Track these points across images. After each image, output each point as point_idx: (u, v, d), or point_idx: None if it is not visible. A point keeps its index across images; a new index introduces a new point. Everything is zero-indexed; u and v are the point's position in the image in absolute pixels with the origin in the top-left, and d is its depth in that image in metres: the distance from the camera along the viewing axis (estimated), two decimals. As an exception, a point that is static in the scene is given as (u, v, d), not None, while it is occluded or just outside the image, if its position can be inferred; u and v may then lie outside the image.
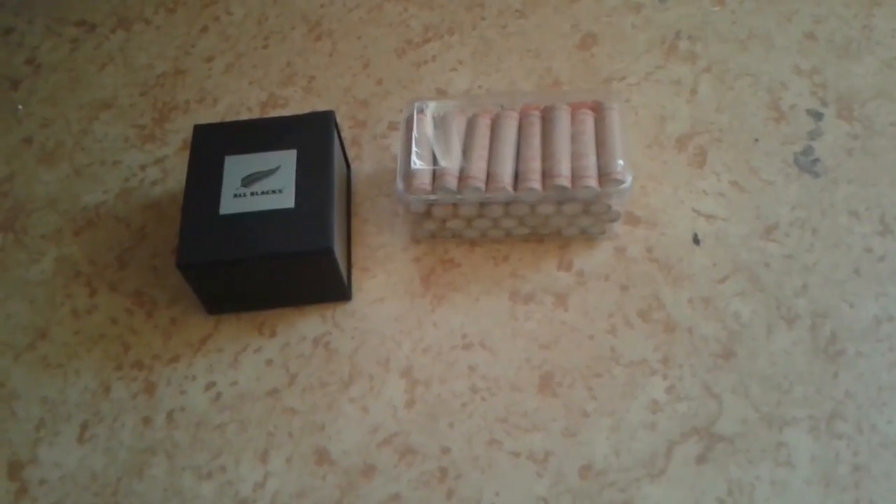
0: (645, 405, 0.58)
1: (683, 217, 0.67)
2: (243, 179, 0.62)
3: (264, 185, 0.62)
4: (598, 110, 0.64)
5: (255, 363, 0.62)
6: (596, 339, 0.61)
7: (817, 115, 0.72)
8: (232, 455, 0.58)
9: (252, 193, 0.62)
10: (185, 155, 0.74)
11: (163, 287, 0.66)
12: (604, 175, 0.60)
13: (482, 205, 0.62)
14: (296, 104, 0.77)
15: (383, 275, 0.66)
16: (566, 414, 0.58)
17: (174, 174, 0.73)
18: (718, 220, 0.66)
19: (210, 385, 0.61)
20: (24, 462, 0.58)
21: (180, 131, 0.77)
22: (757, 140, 0.71)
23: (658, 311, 0.62)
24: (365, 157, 0.73)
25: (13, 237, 0.71)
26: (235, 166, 0.63)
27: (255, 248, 0.59)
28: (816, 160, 0.69)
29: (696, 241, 0.65)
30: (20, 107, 0.81)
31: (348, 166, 0.72)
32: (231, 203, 0.61)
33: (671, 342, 0.60)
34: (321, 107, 0.77)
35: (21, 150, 0.77)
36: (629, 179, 0.60)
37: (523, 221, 0.64)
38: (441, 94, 0.76)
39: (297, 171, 0.62)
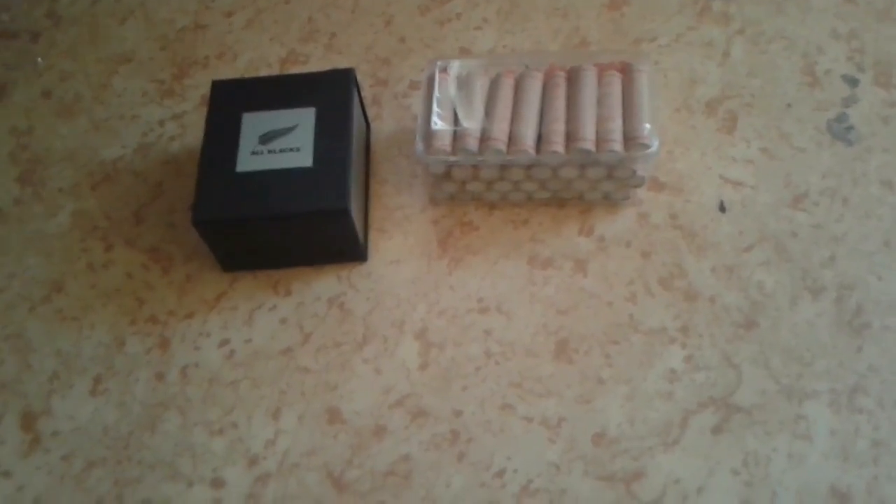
0: (662, 374, 0.57)
1: (710, 184, 0.65)
2: (261, 137, 0.61)
3: (282, 143, 0.61)
4: (626, 72, 0.62)
5: (270, 321, 0.61)
6: (615, 306, 0.60)
7: (853, 82, 0.69)
8: (244, 412, 0.58)
9: (269, 151, 0.61)
10: (204, 111, 0.73)
11: (179, 243, 0.66)
12: (629, 139, 0.59)
13: (503, 167, 0.61)
14: (316, 61, 0.76)
15: (400, 236, 0.65)
16: (581, 381, 0.57)
17: (192, 130, 0.73)
18: (746, 188, 0.64)
19: (224, 342, 0.61)
20: (38, 413, 0.59)
21: (199, 87, 0.76)
22: (789, 106, 0.68)
23: (680, 280, 0.60)
24: (385, 116, 0.72)
25: (31, 190, 0.71)
26: (253, 124, 0.62)
27: (271, 206, 0.58)
28: (850, 128, 0.67)
29: (721, 208, 0.63)
30: (40, 60, 0.80)
31: (368, 125, 0.70)
32: (248, 160, 0.60)
33: (692, 311, 0.59)
34: (342, 64, 0.75)
35: (40, 103, 0.76)
36: (655, 144, 0.58)
37: (545, 185, 0.62)
38: (465, 53, 0.74)
39: (315, 129, 0.61)
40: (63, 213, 0.69)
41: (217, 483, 0.55)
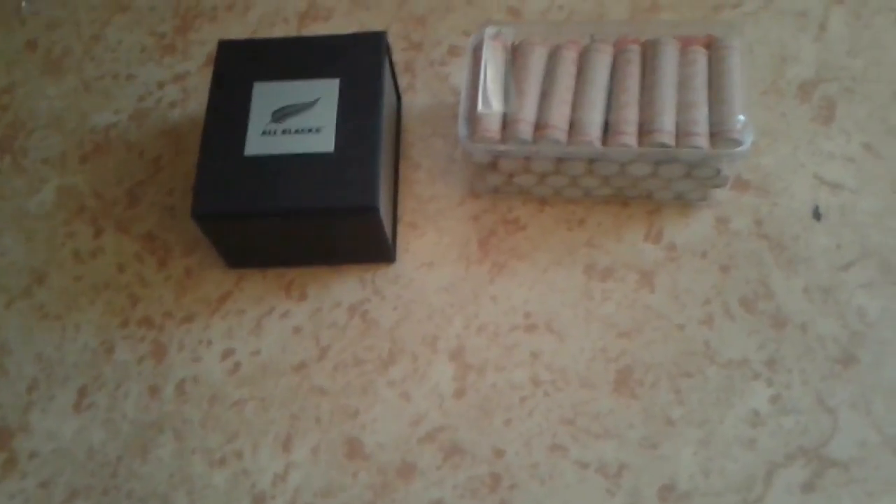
0: (743, 416, 0.48)
1: (803, 184, 0.55)
2: (274, 113, 0.52)
3: (299, 121, 0.51)
4: (713, 48, 0.52)
5: (281, 330, 0.53)
6: (687, 330, 0.51)
7: (976, 65, 0.58)
8: (250, 439, 0.50)
9: (284, 131, 0.51)
10: (209, 73, 0.63)
11: (178, 231, 0.57)
12: (717, 133, 0.49)
13: (560, 160, 0.51)
14: (340, 18, 0.65)
15: (434, 234, 0.55)
16: (646, 420, 0.48)
17: (196, 96, 0.63)
18: (846, 191, 0.54)
19: (228, 353, 0.53)
20: (14, 429, 0.51)
21: (205, 43, 0.66)
22: (897, 92, 0.58)
23: (765, 301, 0.51)
24: (419, 87, 0.62)
25: (10, 159, 0.61)
26: (266, 96, 0.53)
27: (284, 199, 0.49)
28: (973, 122, 0.56)
29: (816, 215, 0.54)
30: (25, 3, 0.70)
31: (399, 98, 0.60)
32: (258, 142, 0.51)
33: (780, 340, 0.50)
34: (370, 22, 0.65)
35: (24, 56, 0.67)
36: (749, 140, 0.48)
37: (608, 182, 0.53)
38: (513, 14, 0.64)
39: (339, 106, 0.52)
40: (47, 189, 0.60)
41: (217, 523, 0.48)
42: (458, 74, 0.61)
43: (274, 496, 0.48)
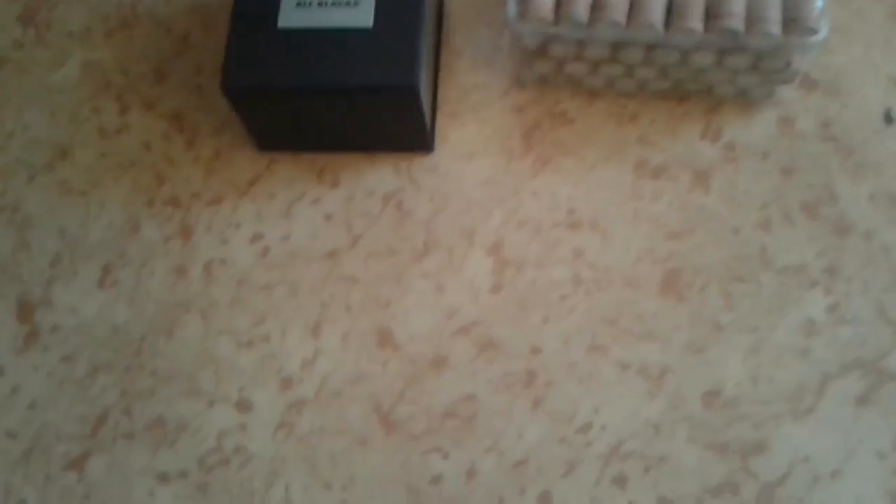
0: (797, 325, 0.45)
1: (875, 86, 0.51)
2: (311, -18, 0.48)
3: (337, -8, 0.48)
4: (792, -74, 0.47)
5: (312, 217, 0.51)
6: (742, 233, 0.48)
7: None
8: (278, 323, 0.48)
9: (320, 4, 0.48)
10: (243, -52, 0.59)
11: (207, 111, 0.54)
12: (791, 20, 0.45)
13: (617, 46, 0.47)
14: None
15: (475, 124, 0.52)
16: (693, 324, 0.46)
17: (228, -28, 0.59)
18: (921, 96, 0.50)
19: (257, 237, 0.50)
20: (36, 303, 0.50)
21: (238, -81, 0.62)
22: None
23: (828, 206, 0.48)
24: (464, -31, 0.58)
25: (34, 33, 0.59)
26: (303, -36, 0.49)
27: (319, 76, 0.46)
28: None
29: (888, 119, 0.50)
30: None
31: (443, -20, 0.57)
32: (293, 14, 0.48)
33: (841, 248, 0.47)
34: None
35: (48, -75, 0.63)
36: (825, 29, 0.44)
37: (666, 73, 0.49)
38: None
39: (380, -23, 0.48)
40: (71, 64, 0.57)
41: (243, 405, 0.46)
42: (509, -43, 0.57)
43: (301, 380, 0.46)
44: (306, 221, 0.51)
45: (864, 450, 0.43)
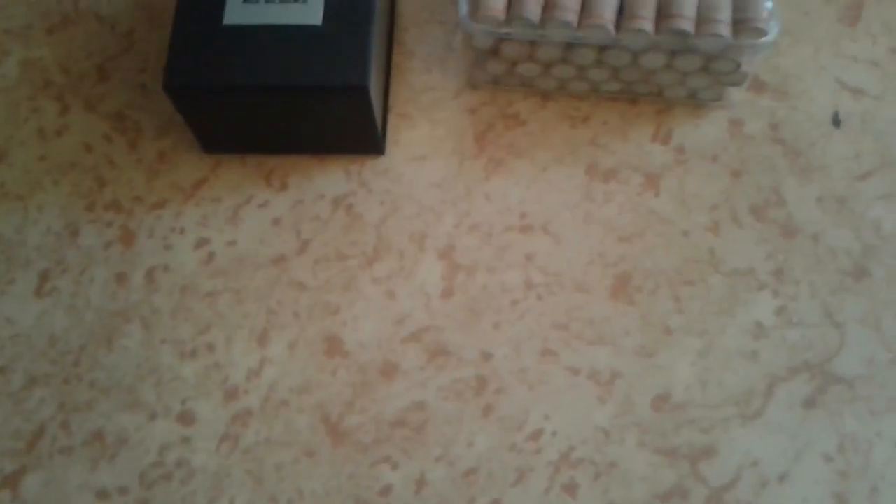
0: (746, 328, 0.45)
1: (823, 88, 0.51)
2: (257, -21, 0.47)
3: (284, -11, 0.47)
4: (741, -71, 0.47)
5: (259, 221, 0.49)
6: (692, 236, 0.48)
7: None
8: (223, 332, 0.47)
9: (267, 0, 0.47)
10: (188, -57, 0.58)
11: (151, 112, 0.53)
12: (740, 21, 0.45)
13: (569, 46, 0.47)
14: None
15: (427, 125, 0.52)
16: (643, 328, 0.46)
17: (173, -33, 0.58)
18: (868, 98, 0.51)
19: (202, 242, 0.49)
20: (-30, 313, 0.48)
21: (184, -87, 0.60)
22: (932, -4, 0.54)
23: (777, 209, 0.48)
24: (416, -32, 0.57)
25: (-31, 29, 0.56)
26: (247, -40, 0.48)
27: (265, 75, 0.45)
28: None
29: (835, 121, 0.50)
30: None
31: (394, -22, 0.56)
32: (239, 11, 0.46)
33: (789, 250, 0.47)
34: None
35: (-15, -83, 0.61)
36: (775, 31, 0.44)
37: (618, 74, 0.49)
38: None
39: (327, -26, 0.47)
40: (9, 62, 0.55)
41: (186, 417, 0.45)
42: (460, -45, 0.56)
43: (247, 391, 0.45)
44: (253, 226, 0.49)
45: (811, 453, 0.43)
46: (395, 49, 0.54)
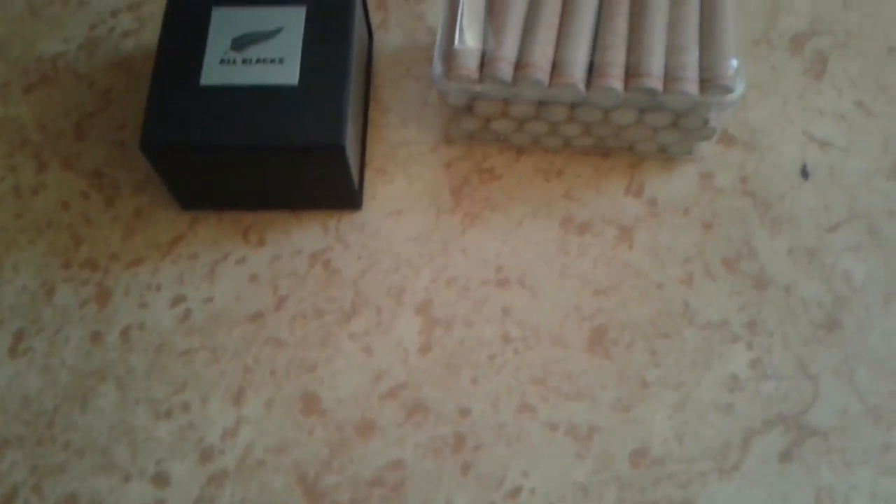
0: (721, 381, 0.46)
1: (791, 141, 0.52)
2: (234, 41, 0.48)
3: (261, 50, 0.47)
4: (706, -10, 0.49)
5: (237, 277, 0.49)
6: (666, 289, 0.48)
7: (975, 25, 0.56)
8: (198, 391, 0.46)
9: (244, 61, 0.47)
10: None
11: (129, 169, 0.53)
12: (707, 79, 0.46)
13: (541, 104, 0.48)
14: (310, -51, 0.61)
15: (404, 180, 0.52)
16: (620, 382, 0.46)
17: (152, 25, 0.59)
18: (835, 150, 0.52)
19: (178, 299, 0.49)
20: (-58, 375, 0.47)
21: (164, -29, 0.61)
22: (892, 51, 0.55)
23: (748, 261, 0.49)
24: (392, 24, 0.58)
25: (-53, 87, 0.57)
26: (225, 22, 0.48)
27: (243, 134, 0.45)
28: (969, 84, 0.54)
29: (804, 174, 0.51)
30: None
31: (370, 35, 0.57)
32: (216, 71, 0.47)
33: (761, 302, 0.48)
34: (341, -45, 0.60)
35: (-35, -23, 0.61)
36: (741, 88, 0.45)
37: (590, 130, 0.49)
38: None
39: (304, 36, 0.48)
40: (-13, 120, 0.55)
41: (160, 479, 0.44)
42: (435, 13, 0.58)
43: (223, 451, 0.45)
44: (230, 283, 0.49)
45: (789, 506, 0.43)
46: (372, 105, 0.55)
